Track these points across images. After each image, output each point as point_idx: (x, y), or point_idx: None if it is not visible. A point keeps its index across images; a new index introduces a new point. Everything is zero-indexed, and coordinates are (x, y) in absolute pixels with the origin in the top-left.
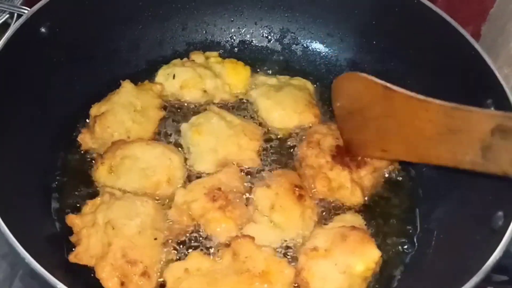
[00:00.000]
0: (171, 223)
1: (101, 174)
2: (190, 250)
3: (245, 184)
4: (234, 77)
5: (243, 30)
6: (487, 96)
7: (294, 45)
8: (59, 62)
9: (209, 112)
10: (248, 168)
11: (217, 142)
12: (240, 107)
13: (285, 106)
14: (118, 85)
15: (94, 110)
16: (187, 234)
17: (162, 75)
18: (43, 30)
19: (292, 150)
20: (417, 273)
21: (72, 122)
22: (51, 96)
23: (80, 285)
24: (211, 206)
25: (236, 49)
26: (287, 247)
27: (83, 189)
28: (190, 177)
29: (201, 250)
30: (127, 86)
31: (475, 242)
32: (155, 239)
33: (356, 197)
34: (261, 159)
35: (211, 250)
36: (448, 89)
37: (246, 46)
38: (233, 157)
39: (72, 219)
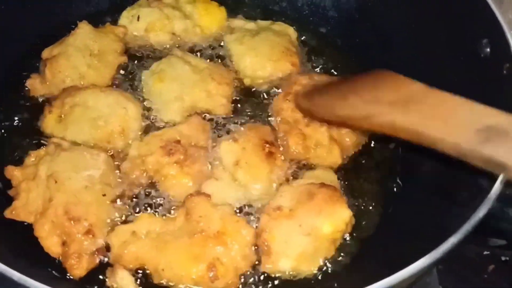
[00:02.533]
0: (123, 178)
1: (48, 123)
2: (143, 208)
3: (212, 137)
4: (207, 18)
5: None
6: (483, 35)
7: None
8: None
9: (171, 57)
10: (218, 117)
11: (182, 89)
12: (212, 53)
13: (259, 52)
14: (76, 27)
15: (46, 53)
16: (141, 192)
17: (126, 17)
18: None
19: (268, 102)
20: (392, 234)
21: (21, 65)
22: None
23: (16, 245)
24: (167, 161)
25: None
26: (250, 206)
27: (28, 140)
28: (154, 130)
29: (156, 209)
30: (84, 27)
31: (457, 202)
32: (104, 195)
33: (333, 157)
34: (232, 108)
35: (167, 210)
36: (443, 24)
37: None
38: (201, 105)
39: (11, 171)
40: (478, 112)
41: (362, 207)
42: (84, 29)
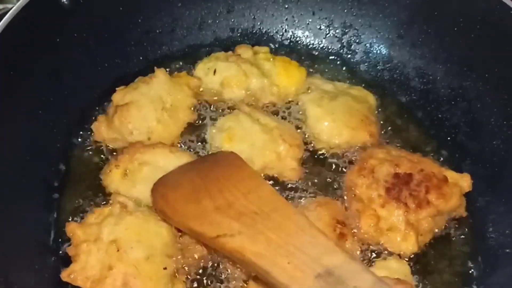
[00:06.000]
0: (183, 250)
1: (113, 178)
2: (206, 284)
3: None
4: (285, 78)
5: (298, 20)
6: None
7: (355, 44)
8: (81, 38)
9: (238, 113)
10: (287, 182)
11: (252, 150)
12: (286, 115)
13: (337, 118)
14: (147, 71)
15: (118, 97)
16: (202, 267)
17: (201, 69)
18: (64, 0)
19: (338, 172)
20: None
21: (89, 108)
22: (68, 77)
23: None
24: None
25: (286, 41)
26: None
27: (89, 192)
28: None
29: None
30: (160, 76)
31: None
32: (165, 268)
33: (409, 244)
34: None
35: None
36: None
37: (298, 39)
38: (271, 168)
39: (73, 229)
40: (320, 248)
41: None
42: (160, 78)
